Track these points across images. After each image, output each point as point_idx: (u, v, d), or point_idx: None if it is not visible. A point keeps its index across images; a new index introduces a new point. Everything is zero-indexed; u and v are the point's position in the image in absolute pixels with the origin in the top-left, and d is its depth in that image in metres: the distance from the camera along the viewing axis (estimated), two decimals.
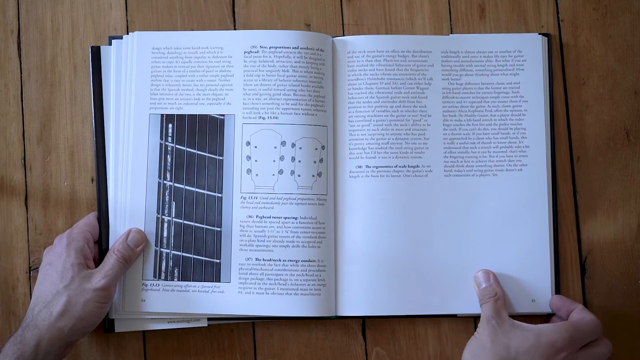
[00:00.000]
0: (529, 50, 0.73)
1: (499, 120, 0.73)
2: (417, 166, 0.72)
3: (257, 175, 0.72)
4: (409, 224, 0.71)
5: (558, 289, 0.72)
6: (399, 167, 0.72)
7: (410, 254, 0.71)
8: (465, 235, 0.71)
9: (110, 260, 0.68)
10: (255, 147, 0.72)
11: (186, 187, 0.72)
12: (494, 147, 0.72)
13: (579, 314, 0.67)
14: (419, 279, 0.70)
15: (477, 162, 0.72)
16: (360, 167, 0.72)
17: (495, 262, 0.70)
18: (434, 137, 0.73)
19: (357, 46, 0.74)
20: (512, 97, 0.73)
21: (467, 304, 0.70)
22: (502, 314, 0.66)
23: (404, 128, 0.72)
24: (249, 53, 0.73)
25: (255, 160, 0.72)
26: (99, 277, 0.66)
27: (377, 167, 0.72)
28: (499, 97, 0.73)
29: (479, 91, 0.73)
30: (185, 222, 0.71)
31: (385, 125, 0.72)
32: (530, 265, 0.71)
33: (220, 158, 0.72)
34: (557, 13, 0.76)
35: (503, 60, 0.74)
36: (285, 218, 0.71)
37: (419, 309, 0.70)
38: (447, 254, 0.71)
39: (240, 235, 0.71)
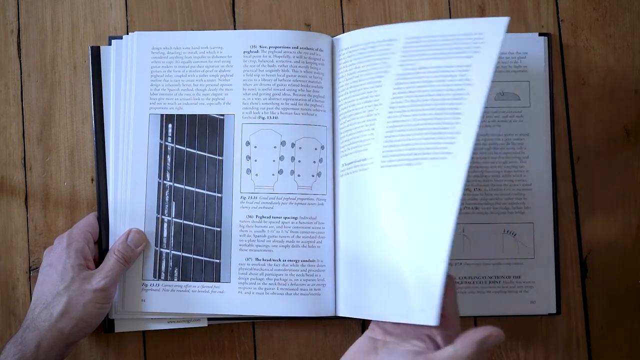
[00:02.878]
0: (490, 35, 0.63)
1: (439, 104, 0.63)
2: (365, 159, 0.67)
3: (256, 175, 0.72)
4: (365, 223, 0.66)
5: (558, 289, 0.72)
6: (353, 162, 0.69)
7: (377, 253, 0.64)
8: (420, 233, 0.61)
9: (110, 261, 0.68)
10: (255, 147, 0.72)
11: (186, 187, 0.72)
12: (425, 133, 0.63)
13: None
14: (399, 282, 0.61)
15: (407, 149, 0.63)
16: (344, 165, 0.71)
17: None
18: (379, 127, 0.66)
19: (342, 44, 0.72)
20: (458, 79, 0.63)
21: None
22: None
23: (358, 121, 0.69)
24: (248, 53, 0.73)
25: (255, 160, 0.72)
26: (99, 277, 0.66)
27: (343, 165, 0.70)
28: (445, 80, 0.64)
29: (429, 75, 0.65)
30: (185, 222, 0.71)
31: (347, 120, 0.70)
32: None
33: (220, 158, 0.72)
34: (557, 13, 0.76)
35: (459, 43, 0.64)
36: (285, 218, 0.71)
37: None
38: (401, 255, 0.62)
39: (240, 235, 0.71)
